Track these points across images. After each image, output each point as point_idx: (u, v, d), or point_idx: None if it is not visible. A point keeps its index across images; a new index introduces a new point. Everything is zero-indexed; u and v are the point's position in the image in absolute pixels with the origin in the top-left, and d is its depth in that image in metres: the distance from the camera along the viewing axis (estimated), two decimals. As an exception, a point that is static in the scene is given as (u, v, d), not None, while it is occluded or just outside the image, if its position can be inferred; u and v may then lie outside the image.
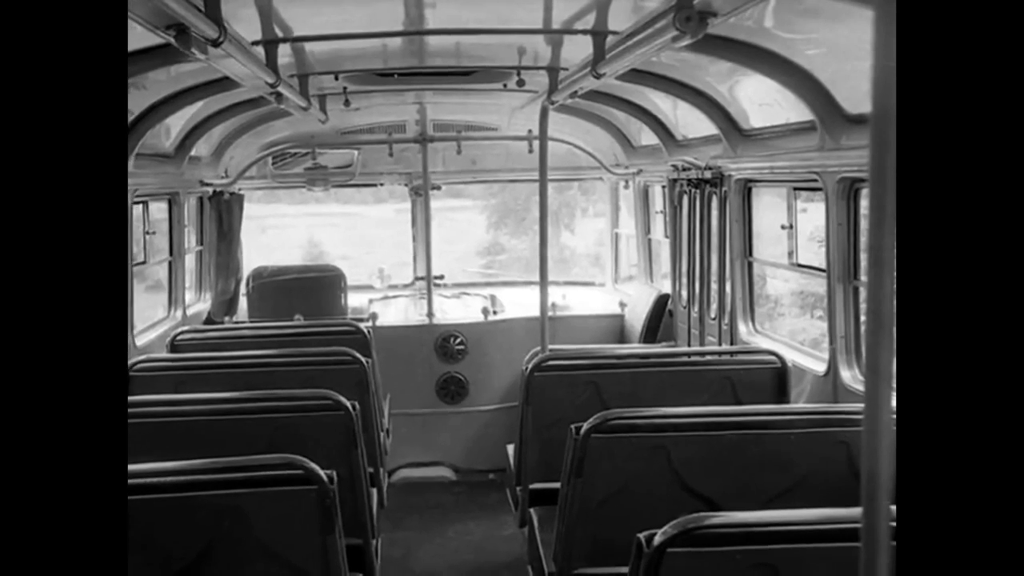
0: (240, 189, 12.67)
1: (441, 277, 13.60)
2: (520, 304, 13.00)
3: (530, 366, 7.31)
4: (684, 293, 10.63)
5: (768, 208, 9.05)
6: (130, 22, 4.62)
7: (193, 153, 10.34)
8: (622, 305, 12.89)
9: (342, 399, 6.25)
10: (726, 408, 6.62)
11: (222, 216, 12.13)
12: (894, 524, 2.20)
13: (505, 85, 9.72)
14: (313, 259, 23.27)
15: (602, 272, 15.23)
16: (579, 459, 5.51)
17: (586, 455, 5.50)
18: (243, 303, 12.82)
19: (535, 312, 9.28)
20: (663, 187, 11.43)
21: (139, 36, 5.84)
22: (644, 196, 12.80)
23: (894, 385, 2.19)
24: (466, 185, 16.64)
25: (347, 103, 10.25)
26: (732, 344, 9.27)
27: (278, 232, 25.16)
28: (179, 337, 8.95)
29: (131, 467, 4.61)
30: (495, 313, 12.71)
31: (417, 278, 13.98)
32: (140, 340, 9.23)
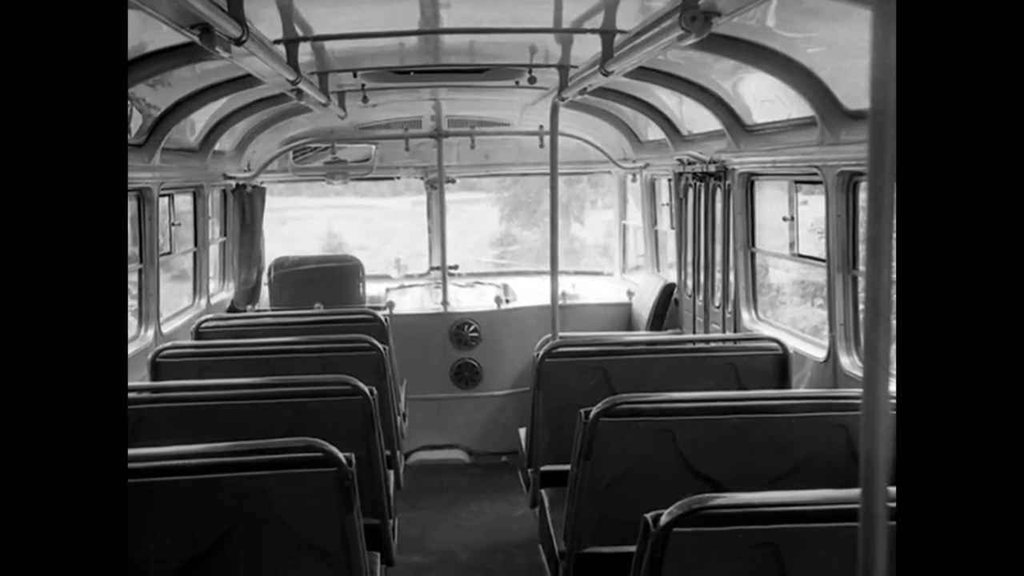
0: (262, 182, 12.69)
1: (456, 267, 13.60)
2: (531, 293, 12.99)
3: (541, 352, 7.32)
4: (689, 282, 10.62)
5: (770, 200, 9.04)
6: (155, 21, 4.62)
7: (217, 148, 10.36)
8: (630, 294, 12.87)
9: (360, 384, 6.25)
10: (730, 393, 6.62)
11: (245, 208, 12.16)
12: (891, 504, 2.20)
13: (517, 82, 9.70)
14: (332, 250, 23.27)
15: (610, 262, 15.21)
16: (588, 442, 5.51)
17: (595, 438, 5.50)
18: (265, 292, 12.85)
19: (546, 301, 9.27)
20: (669, 180, 11.42)
21: (164, 35, 5.86)
22: (651, 189, 12.78)
23: (891, 371, 2.18)
24: (479, 178, 16.70)
25: (365, 100, 10.24)
26: (735, 331, 9.26)
27: (298, 224, 25.17)
28: (203, 324, 8.97)
29: (157, 450, 4.64)
30: (507, 301, 12.72)
31: (432, 268, 13.99)
32: (166, 327, 9.26)
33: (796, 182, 8.22)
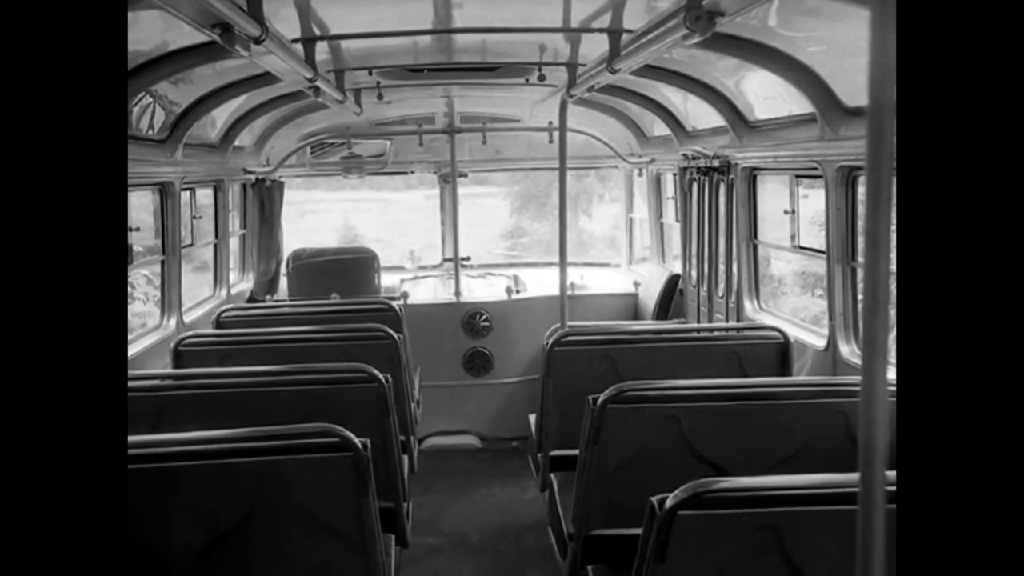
0: (280, 176, 12.69)
1: (468, 258, 13.59)
2: (541, 284, 12.99)
3: (550, 341, 7.32)
4: (694, 273, 10.61)
5: (772, 194, 9.02)
6: (177, 21, 4.62)
7: (237, 143, 10.36)
8: (636, 285, 12.86)
9: (375, 372, 6.26)
10: (733, 380, 6.61)
11: (264, 202, 12.17)
12: (890, 488, 2.20)
13: (527, 80, 9.70)
14: (348, 242, 23.25)
15: (617, 254, 15.18)
16: (596, 428, 5.51)
17: (602, 424, 5.50)
18: (283, 283, 12.85)
19: (555, 291, 9.27)
20: (674, 175, 11.41)
21: (186, 34, 5.86)
22: (656, 183, 12.76)
23: (889, 358, 2.18)
24: (491, 173, 16.62)
25: (380, 97, 10.24)
26: (738, 321, 9.25)
27: (316, 216, 25.20)
28: (224, 314, 8.98)
29: (179, 435, 4.65)
30: (518, 292, 12.71)
31: (445, 259, 13.97)
32: (188, 317, 9.28)
33: (797, 176, 8.21)
